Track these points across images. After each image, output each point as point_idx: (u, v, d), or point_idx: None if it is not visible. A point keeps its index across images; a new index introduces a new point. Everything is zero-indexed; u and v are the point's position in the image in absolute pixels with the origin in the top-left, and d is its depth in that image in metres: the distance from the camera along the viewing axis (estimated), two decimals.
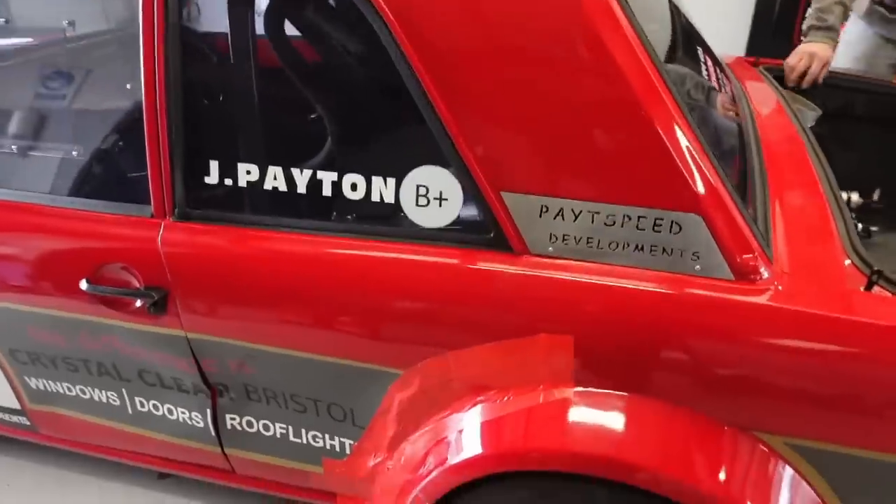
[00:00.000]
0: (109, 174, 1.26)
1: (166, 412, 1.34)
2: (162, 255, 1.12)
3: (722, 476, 0.92)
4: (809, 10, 1.88)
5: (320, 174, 1.05)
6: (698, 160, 0.90)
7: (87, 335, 1.26)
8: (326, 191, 1.06)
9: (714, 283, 0.92)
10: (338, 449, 1.25)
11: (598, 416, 0.96)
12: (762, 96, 1.67)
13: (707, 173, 0.90)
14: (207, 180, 1.11)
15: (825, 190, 1.17)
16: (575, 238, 0.95)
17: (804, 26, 1.87)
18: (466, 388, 1.04)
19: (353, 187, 1.04)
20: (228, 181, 1.10)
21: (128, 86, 1.13)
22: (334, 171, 1.04)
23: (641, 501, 0.95)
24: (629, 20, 0.90)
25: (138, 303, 1.15)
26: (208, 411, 1.29)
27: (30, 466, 1.73)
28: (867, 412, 0.90)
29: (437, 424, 1.07)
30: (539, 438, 0.96)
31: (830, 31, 1.81)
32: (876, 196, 1.94)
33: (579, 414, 0.97)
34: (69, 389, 1.39)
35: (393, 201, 1.03)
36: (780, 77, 1.91)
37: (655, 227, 0.92)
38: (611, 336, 0.95)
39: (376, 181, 1.03)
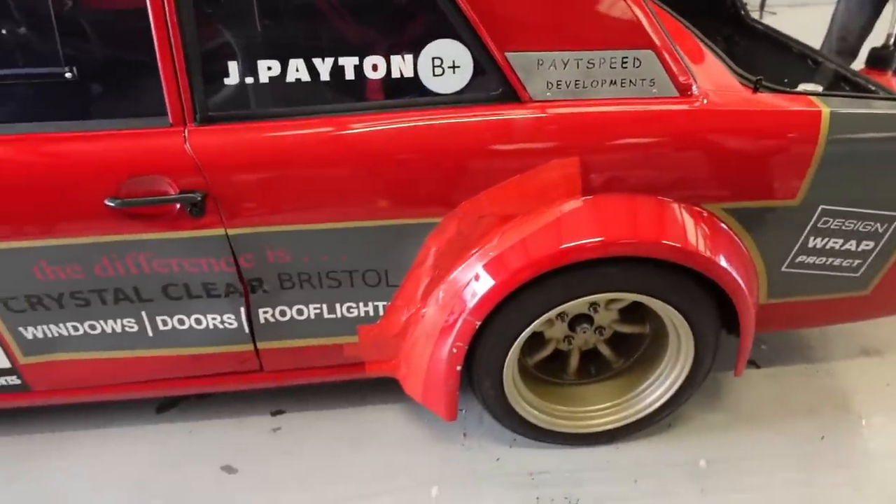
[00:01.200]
0: (122, 91, 1.25)
1: (193, 323, 1.40)
2: (195, 159, 1.18)
3: (698, 241, 1.29)
4: None
5: (342, 60, 1.20)
6: (644, 10, 1.22)
7: (109, 259, 1.27)
8: (350, 75, 1.20)
9: (667, 100, 1.26)
10: (371, 314, 1.43)
11: (608, 213, 1.27)
12: None
13: (651, 20, 1.22)
14: (228, 81, 1.19)
15: (700, 41, 1.57)
16: (566, 83, 1.23)
17: None
18: (496, 222, 1.29)
19: (375, 68, 1.21)
20: (250, 79, 1.19)
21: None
22: (355, 55, 1.19)
23: (641, 270, 1.30)
24: None
25: (177, 207, 1.21)
26: (242, 309, 1.38)
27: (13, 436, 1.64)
28: (765, 173, 1.31)
29: (477, 255, 1.30)
30: (569, 238, 1.25)
31: None
32: None
33: (592, 215, 1.27)
34: (76, 329, 1.38)
35: (412, 75, 1.21)
36: None
37: (623, 65, 1.23)
38: (604, 151, 1.26)
39: (395, 59, 1.20)
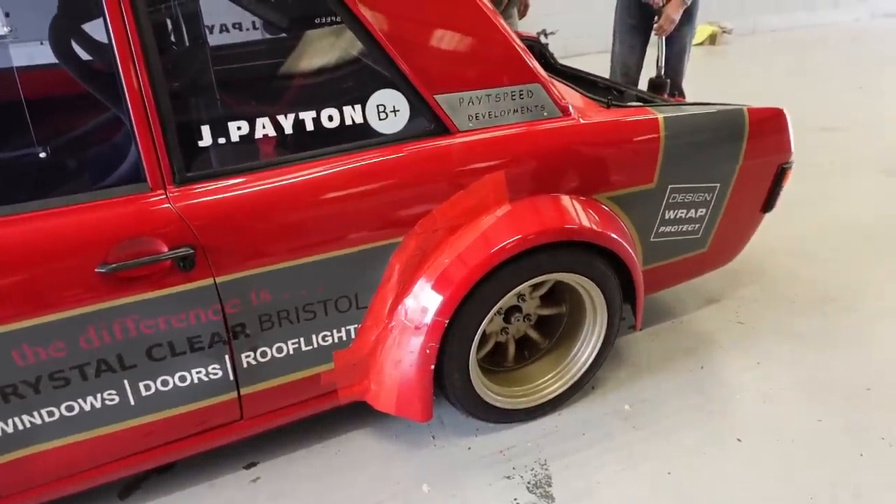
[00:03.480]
0: (99, 163, 1.29)
1: (177, 381, 1.44)
2: (182, 216, 1.29)
3: (592, 222, 1.65)
4: None
5: (302, 114, 1.39)
6: (528, 55, 1.59)
7: (96, 329, 1.29)
8: (310, 126, 1.40)
9: (555, 120, 1.63)
10: (345, 338, 1.58)
11: (528, 212, 1.59)
12: None
13: (533, 61, 1.60)
14: (202, 143, 1.32)
15: (553, 76, 2.00)
16: (482, 114, 1.55)
17: None
18: (446, 233, 1.54)
19: (330, 118, 1.42)
20: (222, 139, 1.34)
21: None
22: (313, 109, 1.40)
23: (562, 253, 1.63)
24: None
25: (168, 264, 1.29)
26: (226, 357, 1.46)
27: None
28: (630, 166, 1.73)
29: (435, 265, 1.54)
30: (506, 236, 1.54)
31: None
32: None
33: (517, 215, 1.58)
34: (51, 414, 1.35)
35: (362, 121, 1.44)
36: None
37: (521, 96, 1.58)
38: (519, 164, 1.58)
39: (346, 110, 1.43)
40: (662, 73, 3.20)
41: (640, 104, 1.86)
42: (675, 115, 1.77)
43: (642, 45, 3.32)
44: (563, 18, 5.91)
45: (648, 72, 3.21)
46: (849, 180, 3.43)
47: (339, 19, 1.37)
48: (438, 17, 1.46)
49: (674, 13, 3.08)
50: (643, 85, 3.19)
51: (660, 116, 1.74)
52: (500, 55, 1.54)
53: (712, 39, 6.85)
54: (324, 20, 1.51)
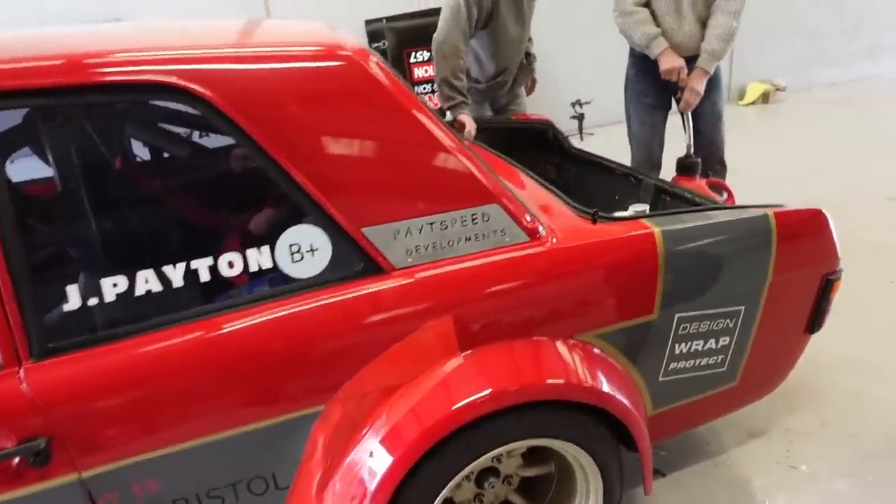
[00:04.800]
0: None
1: None
2: (35, 400, 1.05)
3: (579, 373, 1.32)
4: (443, 91, 2.51)
5: (195, 263, 1.15)
6: (483, 170, 1.31)
7: None
8: (205, 276, 1.16)
9: (520, 246, 1.33)
10: None
11: (489, 365, 1.28)
12: None
13: (490, 177, 1.32)
14: (68, 307, 1.09)
15: (536, 181, 1.71)
16: (425, 246, 1.27)
17: (445, 105, 2.51)
18: (381, 396, 1.25)
19: (231, 265, 1.17)
20: (94, 300, 1.11)
21: None
22: (209, 255, 1.16)
23: (534, 413, 1.30)
24: (405, 86, 1.27)
25: (16, 461, 1.04)
26: None
27: None
28: (622, 295, 1.40)
29: (368, 435, 1.24)
30: (458, 397, 1.23)
31: (467, 105, 2.52)
32: None
33: (475, 369, 1.27)
34: None
35: (271, 265, 1.19)
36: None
37: (473, 221, 1.29)
38: (472, 304, 1.28)
39: (251, 253, 1.18)
40: (692, 150, 2.86)
41: (639, 213, 1.54)
42: (676, 227, 1.44)
43: (663, 122, 3.00)
44: (598, 86, 5.66)
45: (674, 148, 2.88)
46: None
47: (232, 141, 1.14)
48: (362, 130, 1.22)
49: (698, 84, 2.75)
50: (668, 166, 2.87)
51: (656, 230, 1.41)
52: (445, 174, 1.28)
53: (765, 98, 6.42)
54: (214, 142, 1.30)
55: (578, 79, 5.63)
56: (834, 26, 6.74)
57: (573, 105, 5.54)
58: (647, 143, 3.01)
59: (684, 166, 2.87)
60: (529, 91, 3.14)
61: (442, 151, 1.26)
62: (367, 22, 4.75)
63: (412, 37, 4.76)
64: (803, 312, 1.63)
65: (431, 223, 1.27)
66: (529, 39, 2.98)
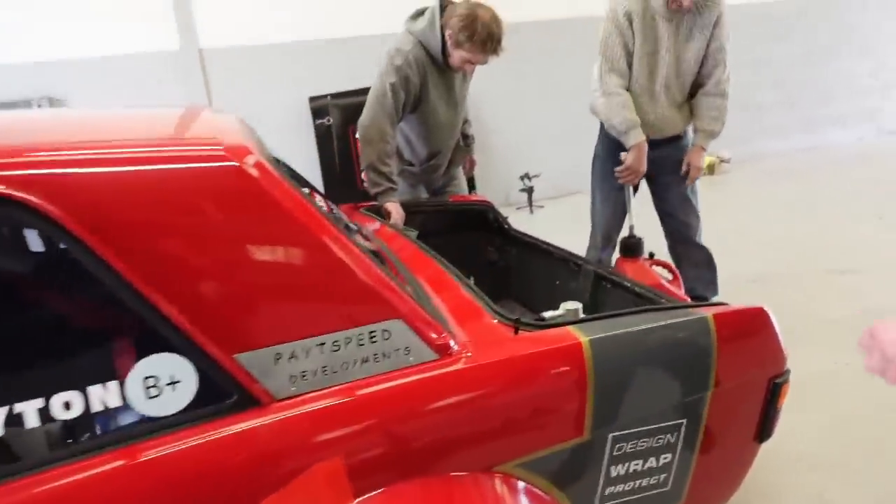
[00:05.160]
0: None
1: None
2: None
3: None
4: (369, 177, 2.41)
5: (19, 406, 0.95)
6: (383, 280, 1.15)
7: None
8: (32, 422, 0.95)
9: (427, 365, 1.16)
10: None
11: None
12: (376, 228, 2.09)
13: (392, 287, 1.16)
14: None
15: (457, 281, 1.56)
16: (313, 371, 1.09)
17: (373, 191, 2.41)
18: None
19: (67, 406, 0.97)
20: None
21: None
22: (38, 396, 0.96)
23: None
24: (291, 187, 1.11)
25: None
26: None
27: None
28: (546, 417, 1.24)
29: None
30: None
31: (394, 192, 2.42)
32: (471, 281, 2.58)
33: None
34: None
35: (121, 403, 0.99)
36: (379, 212, 2.39)
37: (372, 340, 1.13)
38: (368, 439, 1.09)
39: (94, 390, 0.98)
40: (634, 230, 2.78)
41: (566, 318, 1.40)
42: (606, 335, 1.30)
43: (624, 203, 2.91)
44: (550, 159, 5.69)
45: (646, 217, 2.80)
46: None
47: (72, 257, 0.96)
48: (235, 240, 1.05)
49: (699, 161, 2.80)
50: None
51: (584, 340, 1.26)
52: (337, 287, 1.11)
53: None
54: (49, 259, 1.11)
55: (528, 152, 5.66)
56: (774, 99, 7.00)
57: (522, 178, 5.54)
58: (609, 222, 2.96)
59: (627, 247, 2.78)
60: (468, 172, 3.05)
61: (333, 262, 1.10)
62: (312, 98, 4.69)
63: (358, 113, 4.70)
64: (751, 420, 1.49)
65: (321, 344, 1.09)
66: (466, 121, 2.91)
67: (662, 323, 1.35)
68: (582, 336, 1.27)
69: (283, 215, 1.07)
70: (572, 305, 1.66)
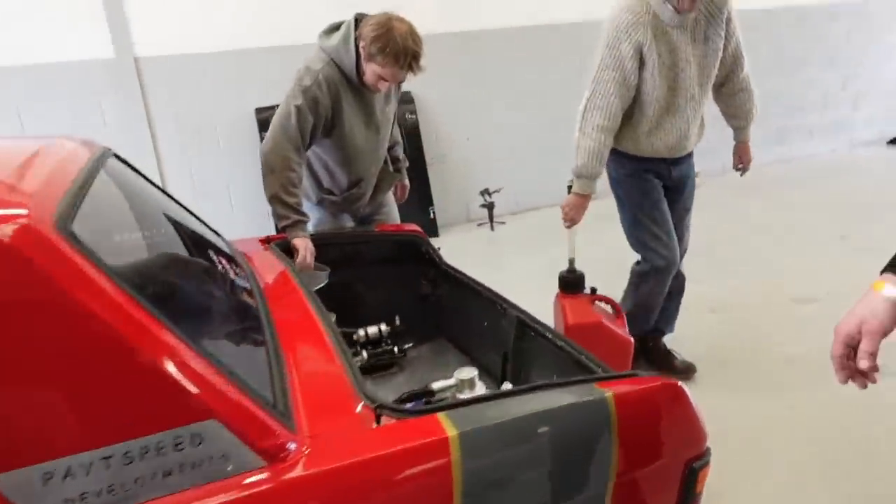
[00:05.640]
0: None
1: None
2: None
3: None
4: (274, 209, 2.17)
5: None
6: (199, 369, 0.95)
7: None
8: None
9: (248, 476, 0.95)
10: None
11: None
12: (274, 273, 1.88)
13: (212, 378, 0.96)
14: None
15: (334, 348, 1.36)
16: (95, 493, 0.88)
17: (280, 224, 2.19)
18: None
19: None
20: None
21: None
22: None
23: None
24: (82, 260, 0.91)
25: None
26: None
27: None
28: None
29: None
30: None
31: (303, 224, 2.19)
32: (397, 321, 2.39)
33: None
34: None
35: None
36: (287, 248, 2.18)
37: (177, 447, 0.92)
38: None
39: None
40: (574, 263, 2.59)
41: (433, 409, 1.19)
42: (480, 426, 1.10)
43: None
44: (511, 173, 5.51)
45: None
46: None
47: None
48: None
49: (750, 152, 2.86)
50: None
51: (452, 435, 1.06)
52: (127, 381, 0.91)
53: None
54: None
55: (488, 165, 5.47)
56: None
57: (482, 194, 5.35)
58: (672, 242, 2.65)
59: (567, 282, 2.59)
60: (401, 198, 2.84)
61: (123, 351, 0.90)
62: (258, 110, 4.47)
63: None
64: None
65: (107, 457, 0.89)
66: (397, 143, 2.71)
67: (550, 408, 1.16)
68: (451, 428, 1.08)
69: (54, 297, 0.87)
70: (467, 374, 1.47)
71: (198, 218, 2.06)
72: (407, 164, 2.81)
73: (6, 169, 1.11)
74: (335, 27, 2.17)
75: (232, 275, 1.57)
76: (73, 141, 1.56)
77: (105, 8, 4.04)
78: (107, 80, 4.17)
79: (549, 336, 1.75)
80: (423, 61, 2.08)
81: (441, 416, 1.11)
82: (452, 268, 2.38)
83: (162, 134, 4.39)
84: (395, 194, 2.79)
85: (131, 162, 1.83)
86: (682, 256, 2.78)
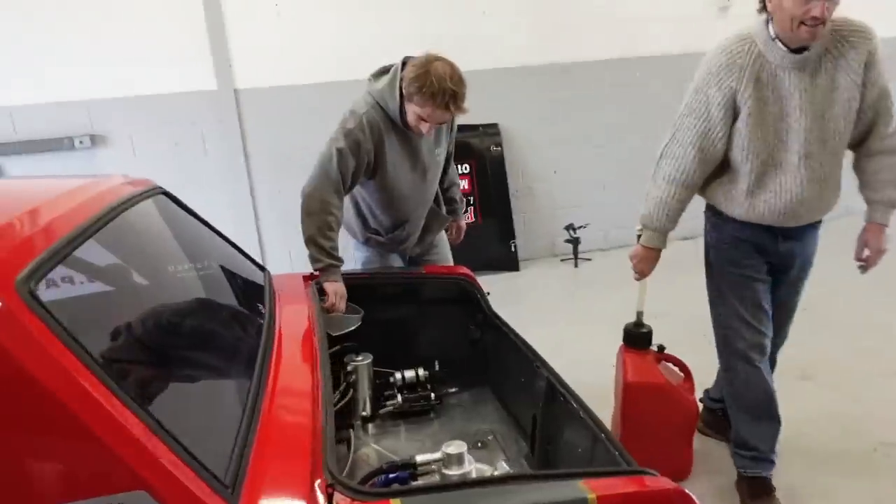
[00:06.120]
0: None
1: None
2: None
3: None
4: (310, 252, 2.14)
5: None
6: (140, 438, 0.93)
7: None
8: None
9: None
10: None
11: None
12: (297, 317, 1.86)
13: (152, 447, 0.94)
14: None
15: (317, 411, 1.30)
16: None
17: (314, 267, 2.16)
18: None
19: None
20: None
21: None
22: None
23: None
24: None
25: None
26: None
27: None
28: None
29: None
30: None
31: (336, 269, 2.15)
32: (437, 366, 2.32)
33: None
34: None
35: None
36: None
37: None
38: None
39: None
40: (643, 317, 2.39)
41: (390, 493, 1.10)
42: None
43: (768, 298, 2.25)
44: (600, 209, 5.29)
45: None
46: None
47: None
48: None
49: (883, 243, 2.09)
50: None
51: None
52: (57, 443, 0.90)
53: None
54: None
55: (576, 201, 5.29)
56: None
57: (567, 229, 5.17)
58: (759, 343, 2.22)
59: (633, 337, 2.39)
60: (456, 239, 2.78)
61: (60, 413, 0.90)
62: None
63: None
64: None
65: None
66: (454, 184, 2.66)
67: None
68: None
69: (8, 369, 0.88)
70: (455, 449, 1.37)
71: (244, 253, 2.10)
72: (464, 205, 2.75)
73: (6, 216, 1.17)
74: (384, 70, 2.17)
75: (240, 325, 1.57)
76: (117, 181, 1.63)
77: (211, 43, 4.34)
78: (208, 110, 4.47)
79: (575, 406, 1.62)
80: (464, 102, 2.02)
81: (395, 501, 1.03)
82: (498, 316, 2.28)
83: (255, 161, 4.63)
84: (450, 235, 2.74)
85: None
86: (776, 349, 2.37)
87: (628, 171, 5.28)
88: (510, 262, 5.10)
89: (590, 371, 2.72)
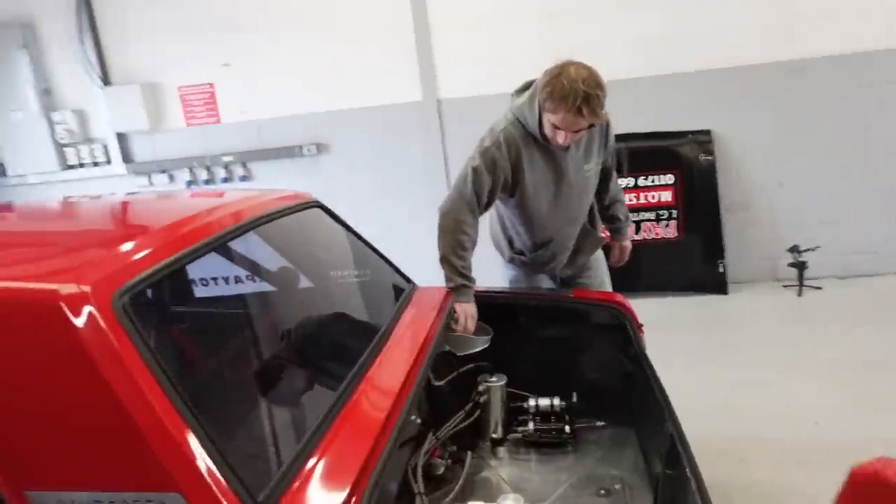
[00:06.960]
0: None
1: None
2: None
3: None
4: (443, 270, 2.13)
5: None
6: (188, 445, 1.03)
7: None
8: None
9: None
10: None
11: None
12: (414, 337, 1.82)
13: (196, 456, 1.03)
14: None
15: (380, 442, 1.30)
16: None
17: (446, 285, 2.13)
18: None
19: None
20: None
21: None
22: None
23: None
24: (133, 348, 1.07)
25: None
26: None
27: None
28: None
29: None
30: None
31: (468, 289, 2.12)
32: (574, 398, 2.20)
33: None
34: None
35: None
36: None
37: None
38: None
39: None
40: None
41: None
42: None
43: None
44: (834, 229, 4.49)
45: None
46: None
47: None
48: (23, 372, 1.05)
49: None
50: None
51: None
52: (122, 443, 1.04)
53: None
54: None
55: (804, 219, 4.55)
56: None
57: (791, 251, 4.46)
58: None
59: None
60: (618, 260, 2.57)
61: (122, 418, 1.03)
62: None
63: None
64: None
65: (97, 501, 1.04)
66: (617, 201, 2.46)
67: None
68: None
69: (85, 368, 1.04)
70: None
71: (393, 266, 2.19)
72: (629, 222, 2.53)
73: (129, 226, 1.34)
74: (527, 85, 2.09)
75: (343, 342, 1.62)
76: (271, 196, 1.81)
77: (419, 57, 4.63)
78: (414, 119, 4.77)
79: (689, 473, 1.41)
80: (600, 108, 1.86)
81: None
82: (645, 354, 2.07)
83: (454, 168, 4.83)
84: (612, 257, 2.55)
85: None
86: None
87: (874, 187, 4.40)
88: (717, 285, 4.59)
89: (786, 426, 2.32)
